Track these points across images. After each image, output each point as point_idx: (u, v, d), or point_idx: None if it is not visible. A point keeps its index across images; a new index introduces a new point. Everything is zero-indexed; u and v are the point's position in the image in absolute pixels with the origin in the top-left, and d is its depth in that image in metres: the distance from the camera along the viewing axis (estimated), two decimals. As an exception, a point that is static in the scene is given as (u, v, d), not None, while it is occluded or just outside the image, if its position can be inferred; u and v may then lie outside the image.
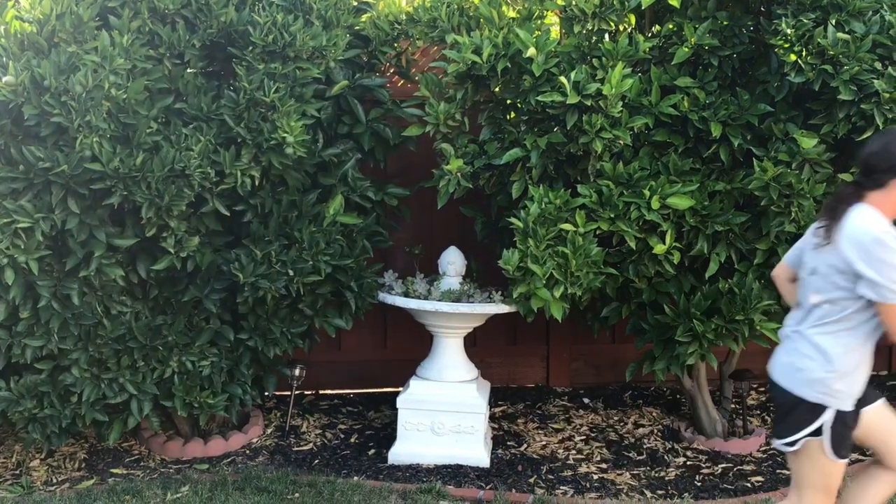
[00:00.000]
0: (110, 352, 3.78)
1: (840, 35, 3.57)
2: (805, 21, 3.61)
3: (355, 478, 3.97)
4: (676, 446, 4.42)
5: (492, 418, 4.71)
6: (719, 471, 4.15)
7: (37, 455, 4.16)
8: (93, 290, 3.75)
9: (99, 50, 3.54)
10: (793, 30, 3.62)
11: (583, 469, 4.16)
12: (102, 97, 3.45)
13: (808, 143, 3.68)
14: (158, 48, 3.80)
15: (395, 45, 4.38)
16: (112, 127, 3.52)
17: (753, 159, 3.82)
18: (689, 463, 4.24)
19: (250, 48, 3.78)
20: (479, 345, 5.10)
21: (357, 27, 4.26)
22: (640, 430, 4.64)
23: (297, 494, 3.74)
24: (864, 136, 3.68)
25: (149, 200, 3.55)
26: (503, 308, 4.02)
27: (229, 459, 4.15)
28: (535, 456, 4.29)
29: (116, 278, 3.72)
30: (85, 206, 3.61)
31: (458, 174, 3.92)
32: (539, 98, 3.68)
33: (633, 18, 4.14)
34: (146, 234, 3.68)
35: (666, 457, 4.31)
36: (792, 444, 2.77)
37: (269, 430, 4.49)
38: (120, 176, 3.50)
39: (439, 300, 4.07)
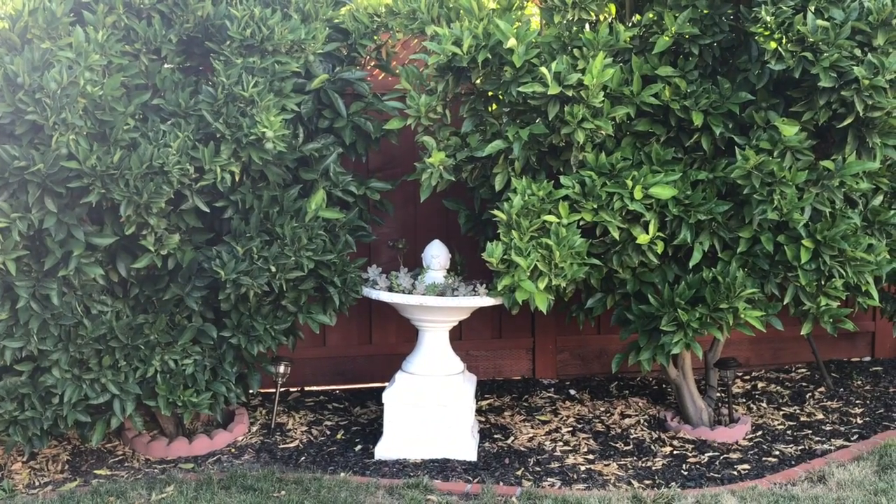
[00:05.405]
0: (91, 352, 3.74)
1: (819, 22, 3.57)
2: (784, 8, 3.61)
3: (342, 474, 3.95)
4: (663, 436, 4.43)
5: (478, 411, 4.70)
6: (706, 459, 4.16)
7: (18, 458, 4.11)
8: (72, 290, 3.70)
9: (73, 46, 3.49)
10: (772, 17, 3.61)
11: (570, 460, 4.15)
12: (78, 94, 3.40)
13: (790, 130, 3.69)
14: (134, 44, 3.76)
15: (375, 37, 4.36)
16: (88, 124, 3.47)
17: (735, 148, 3.82)
18: (675, 452, 4.25)
19: (228, 42, 3.74)
20: (464, 338, 5.09)
21: (336, 20, 4.23)
22: (627, 421, 4.64)
23: (283, 492, 3.72)
24: (845, 122, 3.70)
25: (127, 198, 3.51)
26: (488, 301, 4.01)
27: (214, 458, 4.12)
28: (522, 448, 4.28)
29: (96, 277, 3.67)
30: (62, 204, 3.56)
31: (441, 167, 3.90)
32: (520, 89, 3.66)
33: (613, 8, 4.14)
34: (125, 233, 3.64)
35: (652, 446, 4.31)
36: None
37: (254, 428, 4.46)
38: (97, 174, 3.45)
39: (424, 294, 4.06)
